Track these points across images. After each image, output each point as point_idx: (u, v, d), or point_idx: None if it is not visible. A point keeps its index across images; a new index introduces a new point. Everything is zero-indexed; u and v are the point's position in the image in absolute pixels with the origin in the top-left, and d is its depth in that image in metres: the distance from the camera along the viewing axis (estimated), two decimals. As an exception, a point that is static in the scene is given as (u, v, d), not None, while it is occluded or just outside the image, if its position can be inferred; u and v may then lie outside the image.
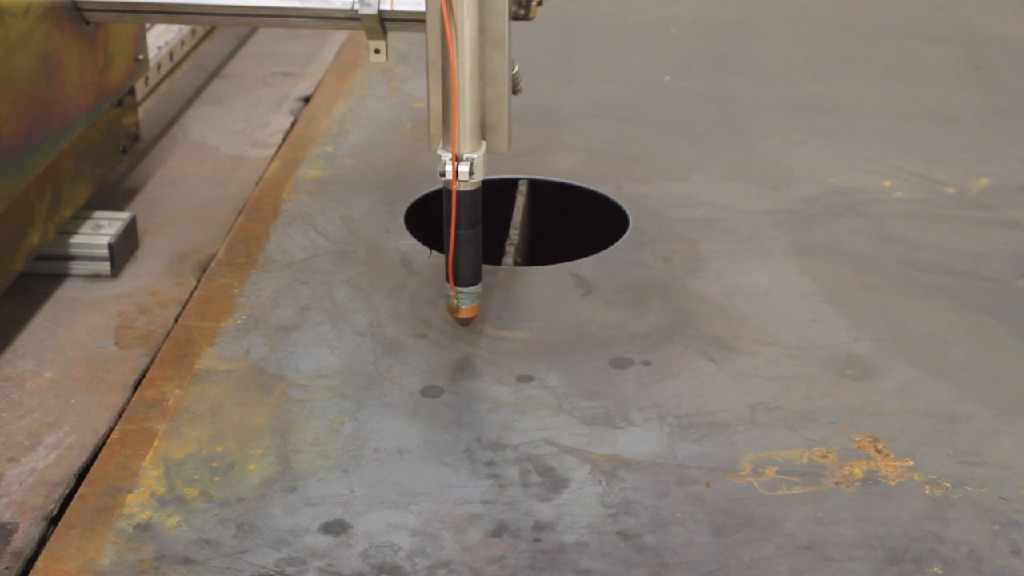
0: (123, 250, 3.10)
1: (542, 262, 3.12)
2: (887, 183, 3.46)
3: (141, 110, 3.57)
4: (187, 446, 2.46)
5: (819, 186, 3.45)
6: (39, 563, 2.20)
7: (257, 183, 3.49)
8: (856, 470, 2.40)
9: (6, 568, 2.21)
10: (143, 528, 2.26)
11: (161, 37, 3.87)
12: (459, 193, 2.59)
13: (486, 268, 2.79)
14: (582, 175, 3.50)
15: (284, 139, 3.78)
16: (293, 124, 3.88)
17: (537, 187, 3.47)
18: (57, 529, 2.27)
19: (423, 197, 3.37)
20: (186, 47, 4.04)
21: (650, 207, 3.33)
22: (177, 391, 2.62)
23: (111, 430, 2.53)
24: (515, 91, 2.70)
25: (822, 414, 2.55)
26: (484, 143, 2.62)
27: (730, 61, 4.29)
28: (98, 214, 3.13)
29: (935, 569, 2.17)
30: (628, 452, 2.44)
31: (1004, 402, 2.59)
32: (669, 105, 3.98)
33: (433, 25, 2.57)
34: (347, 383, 2.64)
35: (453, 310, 2.70)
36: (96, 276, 3.05)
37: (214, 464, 2.41)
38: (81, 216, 3.10)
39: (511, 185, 3.43)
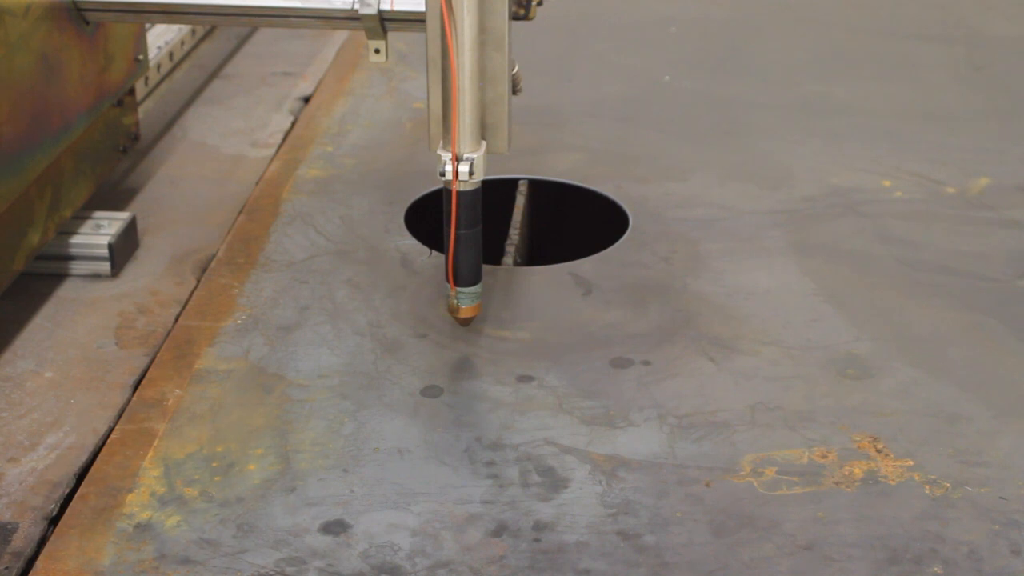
0: (123, 250, 3.10)
1: (542, 262, 3.12)
2: (887, 183, 3.46)
3: (141, 110, 3.57)
4: (187, 446, 2.46)
5: (819, 186, 3.44)
6: (39, 563, 2.20)
7: (257, 183, 3.49)
8: (856, 470, 2.40)
9: (6, 568, 2.20)
10: (143, 528, 2.26)
11: (161, 37, 3.87)
12: (459, 193, 2.59)
13: (486, 268, 2.79)
14: (582, 175, 3.50)
15: (284, 139, 3.77)
16: (293, 124, 3.87)
17: (537, 187, 3.47)
18: (57, 529, 2.27)
19: (423, 197, 3.37)
20: (186, 47, 4.04)
21: (650, 207, 3.33)
22: (177, 391, 2.62)
23: (111, 430, 2.53)
24: (515, 91, 2.70)
25: (822, 414, 2.55)
26: (484, 143, 2.62)
27: (730, 61, 4.29)
28: (98, 214, 3.13)
29: (935, 569, 2.17)
30: (628, 452, 2.44)
31: (1004, 402, 2.59)
32: (669, 105, 3.98)
33: (433, 25, 2.57)
34: (347, 383, 2.64)
35: (453, 310, 2.70)
36: (96, 276, 3.05)
37: (214, 464, 2.41)
38: (81, 216, 3.10)
39: (511, 185, 3.42)
